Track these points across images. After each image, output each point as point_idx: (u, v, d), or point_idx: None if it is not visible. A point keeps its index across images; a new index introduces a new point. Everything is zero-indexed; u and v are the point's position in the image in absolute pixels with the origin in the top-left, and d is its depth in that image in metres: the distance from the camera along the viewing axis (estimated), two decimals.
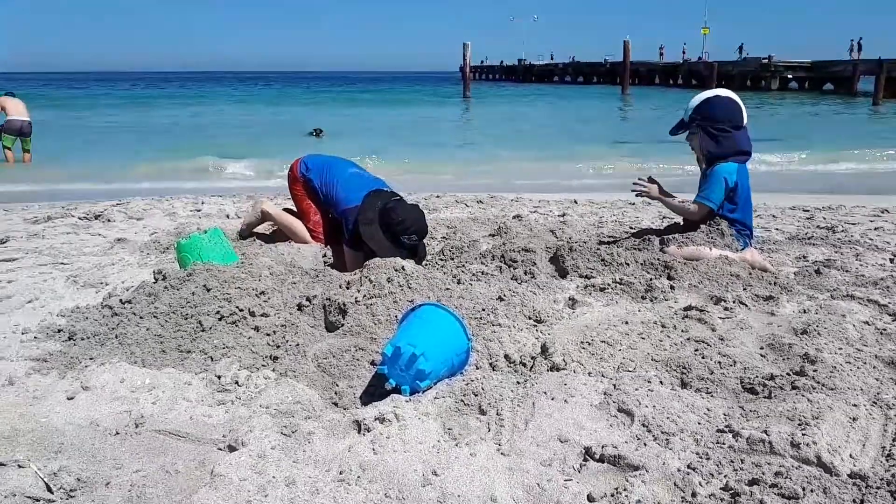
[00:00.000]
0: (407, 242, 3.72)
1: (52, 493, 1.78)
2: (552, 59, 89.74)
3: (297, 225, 4.05)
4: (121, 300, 3.06)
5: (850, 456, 1.86)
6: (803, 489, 1.64)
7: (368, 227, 3.72)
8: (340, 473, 1.81)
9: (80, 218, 5.67)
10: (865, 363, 2.46)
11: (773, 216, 5.93)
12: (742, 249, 3.87)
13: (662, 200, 4.02)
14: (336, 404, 2.35)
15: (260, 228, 4.44)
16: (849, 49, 48.74)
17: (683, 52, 62.98)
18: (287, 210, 4.30)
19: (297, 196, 4.15)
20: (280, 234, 4.24)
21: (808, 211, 6.20)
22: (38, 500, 1.75)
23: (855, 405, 2.09)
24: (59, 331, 2.93)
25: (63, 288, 3.63)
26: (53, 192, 8.66)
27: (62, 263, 4.14)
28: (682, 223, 4.18)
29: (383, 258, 3.28)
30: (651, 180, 4.08)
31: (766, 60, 47.70)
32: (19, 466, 1.86)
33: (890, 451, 1.87)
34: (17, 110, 11.74)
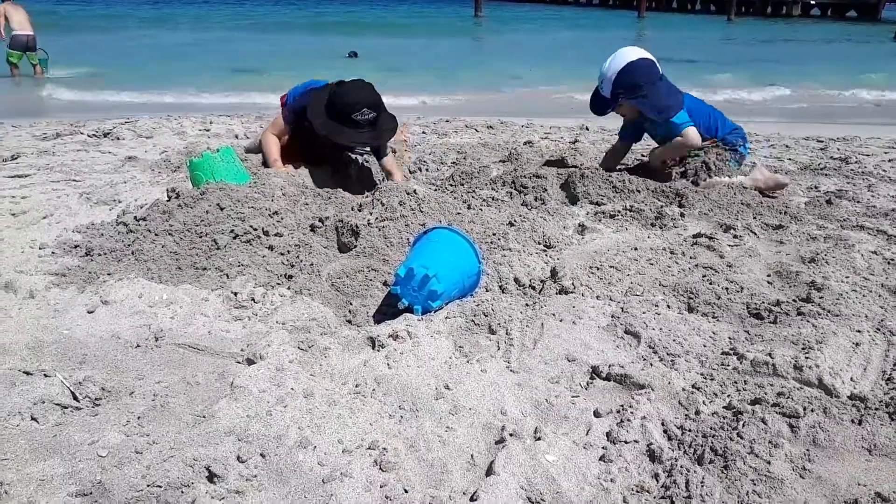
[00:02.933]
0: (362, 120, 3.57)
1: (79, 401, 1.86)
2: None
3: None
4: (135, 217, 3.09)
5: (851, 379, 1.91)
6: (804, 409, 1.69)
7: (322, 122, 3.58)
8: (356, 386, 1.88)
9: (89, 135, 5.65)
10: (871, 291, 2.49)
11: (787, 146, 5.86)
12: (744, 157, 4.10)
13: (666, 156, 4.07)
14: (350, 322, 2.40)
15: None
16: None
17: None
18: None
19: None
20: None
21: (822, 141, 6.12)
22: (65, 408, 1.82)
23: (859, 331, 2.14)
24: (76, 246, 2.98)
25: (77, 204, 3.66)
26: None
27: (74, 180, 4.15)
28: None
29: (350, 146, 3.55)
30: None
31: None
32: (45, 376, 1.94)
33: (890, 375, 1.92)
34: (20, 23, 11.36)
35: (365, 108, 3.56)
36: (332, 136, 3.58)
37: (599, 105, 4.12)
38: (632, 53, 3.94)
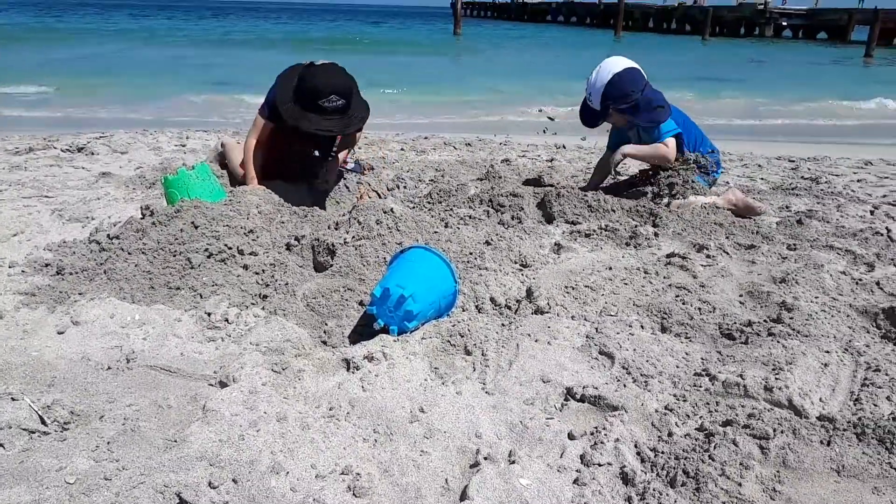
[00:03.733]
0: (330, 107, 3.39)
1: (47, 425, 1.82)
2: None
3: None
4: (108, 235, 3.05)
5: (820, 399, 1.94)
6: (774, 430, 1.71)
7: (288, 108, 3.41)
8: (330, 409, 1.87)
9: (62, 150, 5.58)
10: (840, 312, 2.54)
11: (759, 166, 5.97)
12: (716, 180, 4.20)
13: (635, 155, 4.11)
14: (325, 343, 2.39)
15: None
16: None
17: None
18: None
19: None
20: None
21: (793, 161, 6.25)
22: (32, 433, 1.79)
23: (827, 351, 2.17)
24: (47, 265, 2.93)
25: (49, 222, 3.61)
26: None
27: (46, 196, 4.10)
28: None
29: (314, 133, 3.36)
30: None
31: (763, 7, 47.13)
32: (13, 399, 1.90)
33: (858, 395, 1.95)
34: None
35: (333, 94, 3.36)
36: (296, 121, 3.39)
37: (590, 117, 4.14)
38: (617, 64, 3.97)
